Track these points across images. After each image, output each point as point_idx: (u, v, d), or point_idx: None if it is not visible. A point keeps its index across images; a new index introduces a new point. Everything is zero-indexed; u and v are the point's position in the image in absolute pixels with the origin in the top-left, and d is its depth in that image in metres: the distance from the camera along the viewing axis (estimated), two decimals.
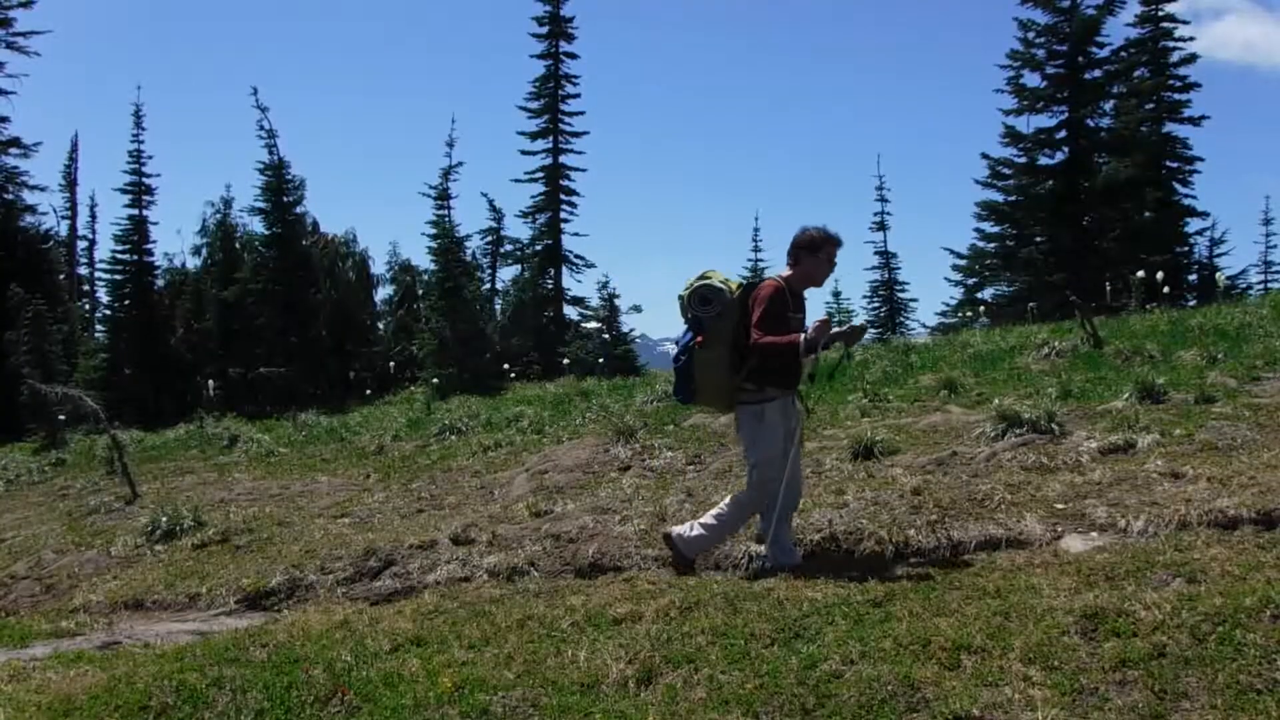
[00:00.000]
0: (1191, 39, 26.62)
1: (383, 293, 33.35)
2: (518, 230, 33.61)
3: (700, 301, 5.10)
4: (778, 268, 5.47)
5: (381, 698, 3.90)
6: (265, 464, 12.68)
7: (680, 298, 5.24)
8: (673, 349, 5.54)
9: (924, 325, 30.45)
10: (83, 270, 40.22)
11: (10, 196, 29.79)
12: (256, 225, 28.07)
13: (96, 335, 30.91)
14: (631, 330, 26.24)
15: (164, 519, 8.60)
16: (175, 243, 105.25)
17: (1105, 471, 6.00)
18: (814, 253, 5.17)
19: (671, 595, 4.77)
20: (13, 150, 29.69)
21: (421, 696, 3.85)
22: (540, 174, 30.20)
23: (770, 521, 5.21)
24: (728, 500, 5.45)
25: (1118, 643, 3.50)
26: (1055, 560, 4.67)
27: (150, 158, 27.08)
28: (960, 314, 25.58)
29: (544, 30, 29.86)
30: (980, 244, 27.94)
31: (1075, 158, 26.54)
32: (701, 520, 5.43)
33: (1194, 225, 27.11)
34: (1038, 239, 26.99)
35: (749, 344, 5.00)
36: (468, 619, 4.92)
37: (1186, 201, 26.84)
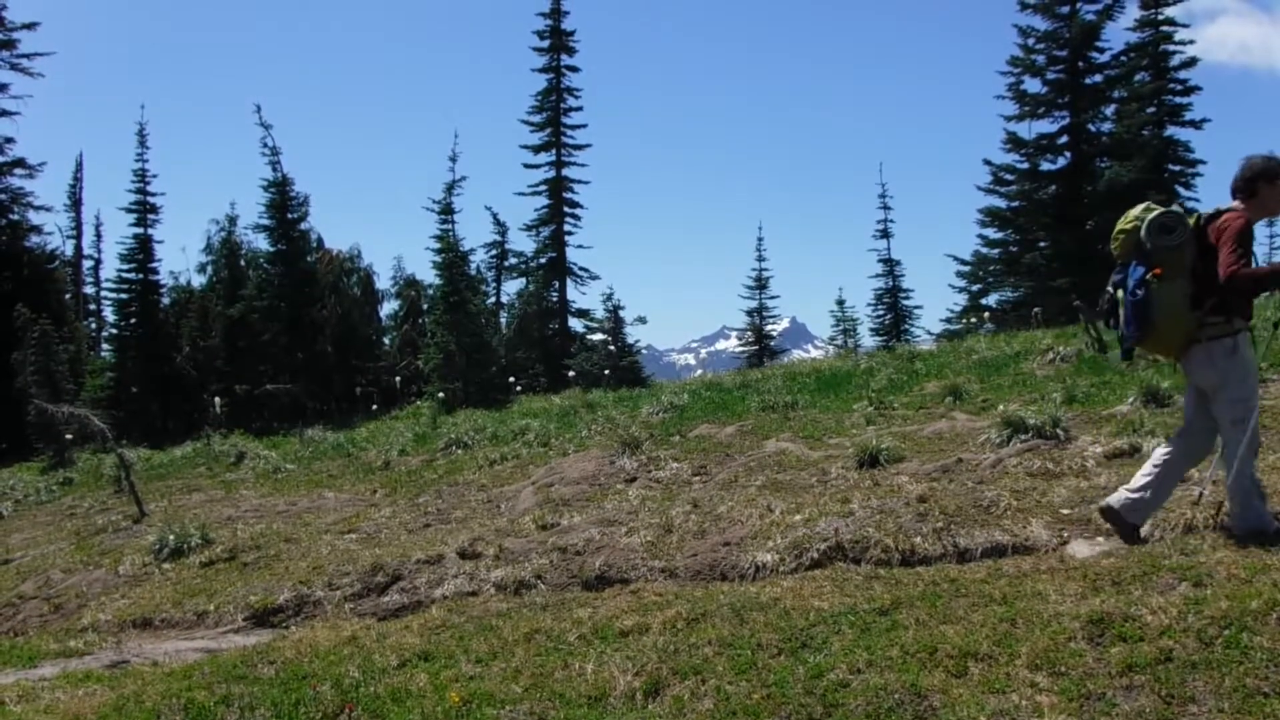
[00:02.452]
0: (1192, 42, 26.65)
1: (388, 308, 33.50)
2: (522, 243, 33.72)
3: (1161, 230, 4.70)
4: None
5: (389, 713, 3.91)
6: (272, 480, 12.70)
7: (1123, 231, 4.86)
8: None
9: (929, 332, 30.40)
10: (88, 289, 40.38)
11: (16, 217, 29.95)
12: (261, 242, 28.22)
13: (103, 354, 31.02)
14: (637, 342, 26.21)
15: (171, 537, 8.62)
16: (180, 261, 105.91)
17: (1111, 476, 5.99)
18: (1273, 182, 4.74)
19: (678, 606, 4.77)
20: (17, 171, 29.88)
21: (429, 712, 3.85)
22: (543, 187, 30.31)
23: (1235, 475, 4.61)
24: (1160, 453, 4.91)
25: (1124, 648, 3.49)
26: (1061, 566, 4.66)
27: (155, 176, 27.15)
28: (964, 320, 25.57)
29: (545, 44, 29.99)
30: (984, 250, 27.96)
31: (1077, 162, 26.57)
32: (1141, 482, 4.90)
33: None
34: (1041, 244, 26.98)
35: (1223, 276, 4.54)
36: (475, 633, 4.93)
37: (1189, 204, 26.82)
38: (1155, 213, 4.78)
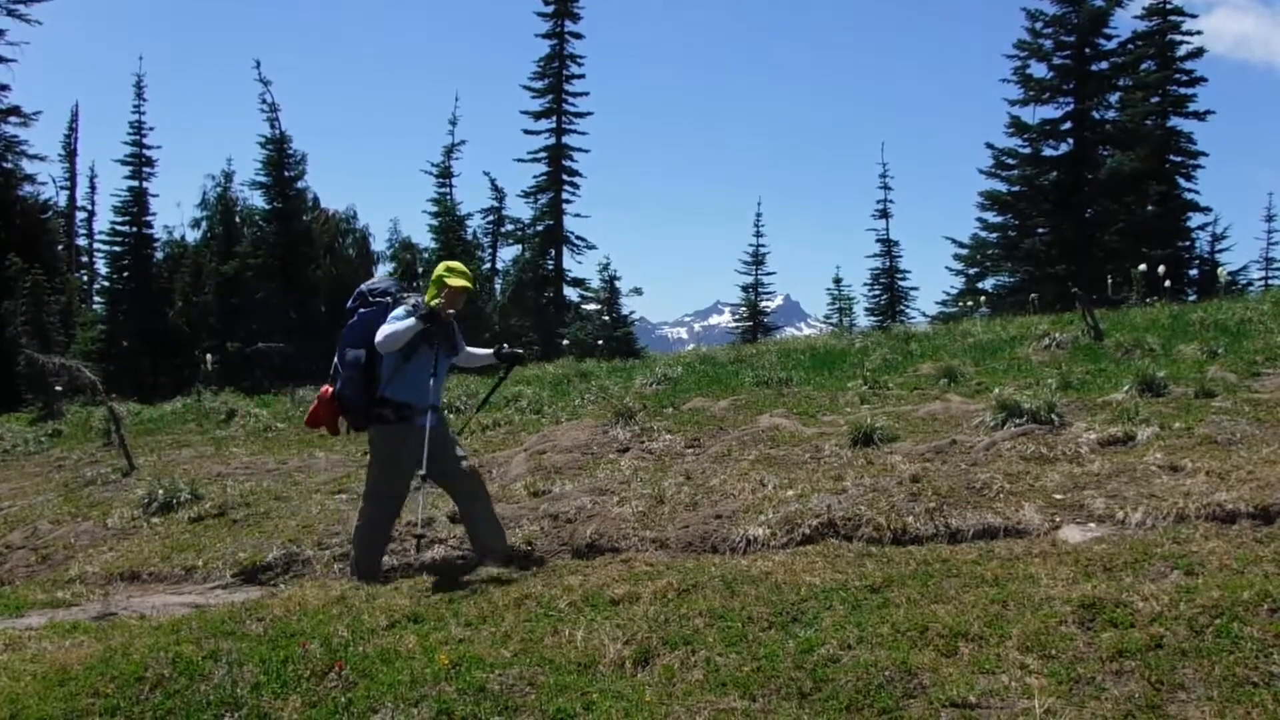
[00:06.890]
0: (1198, 33, 26.52)
1: (382, 270, 33.32)
2: (519, 210, 33.57)
3: None
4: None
5: (378, 673, 3.90)
6: (263, 439, 12.66)
7: None
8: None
9: (924, 314, 30.45)
10: (81, 241, 40.10)
11: (9, 165, 29.65)
12: (257, 199, 28.05)
13: (95, 307, 30.84)
14: (632, 313, 26.19)
15: (161, 491, 8.59)
16: (175, 215, 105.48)
17: (1104, 463, 6.00)
18: None
19: (669, 577, 4.77)
20: (12, 119, 29.55)
21: (418, 673, 3.85)
22: (543, 154, 30.16)
23: None
24: None
25: (1115, 633, 3.50)
26: (1053, 550, 4.67)
27: (151, 129, 26.96)
28: (961, 303, 25.59)
29: (549, 9, 29.73)
30: (982, 234, 27.95)
31: (1079, 150, 26.50)
32: None
33: (1196, 220, 27.10)
34: (1040, 230, 26.97)
35: None
36: (465, 597, 4.93)
37: (1189, 196, 26.83)
38: None
